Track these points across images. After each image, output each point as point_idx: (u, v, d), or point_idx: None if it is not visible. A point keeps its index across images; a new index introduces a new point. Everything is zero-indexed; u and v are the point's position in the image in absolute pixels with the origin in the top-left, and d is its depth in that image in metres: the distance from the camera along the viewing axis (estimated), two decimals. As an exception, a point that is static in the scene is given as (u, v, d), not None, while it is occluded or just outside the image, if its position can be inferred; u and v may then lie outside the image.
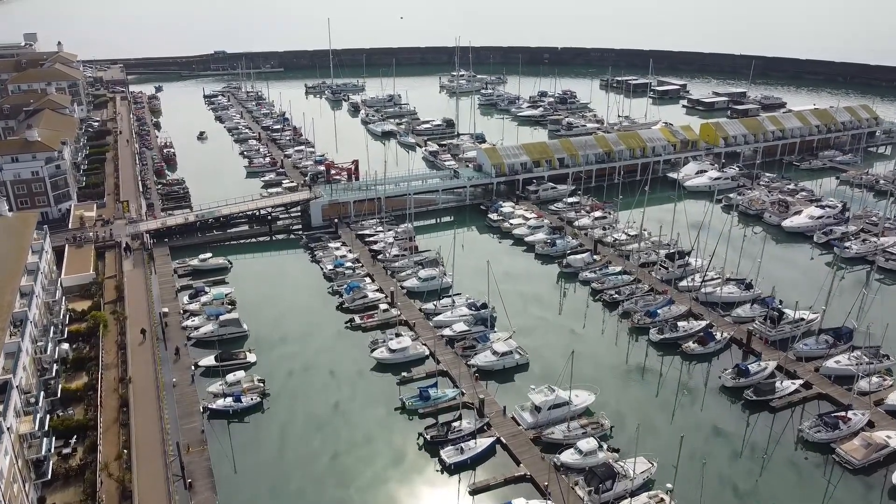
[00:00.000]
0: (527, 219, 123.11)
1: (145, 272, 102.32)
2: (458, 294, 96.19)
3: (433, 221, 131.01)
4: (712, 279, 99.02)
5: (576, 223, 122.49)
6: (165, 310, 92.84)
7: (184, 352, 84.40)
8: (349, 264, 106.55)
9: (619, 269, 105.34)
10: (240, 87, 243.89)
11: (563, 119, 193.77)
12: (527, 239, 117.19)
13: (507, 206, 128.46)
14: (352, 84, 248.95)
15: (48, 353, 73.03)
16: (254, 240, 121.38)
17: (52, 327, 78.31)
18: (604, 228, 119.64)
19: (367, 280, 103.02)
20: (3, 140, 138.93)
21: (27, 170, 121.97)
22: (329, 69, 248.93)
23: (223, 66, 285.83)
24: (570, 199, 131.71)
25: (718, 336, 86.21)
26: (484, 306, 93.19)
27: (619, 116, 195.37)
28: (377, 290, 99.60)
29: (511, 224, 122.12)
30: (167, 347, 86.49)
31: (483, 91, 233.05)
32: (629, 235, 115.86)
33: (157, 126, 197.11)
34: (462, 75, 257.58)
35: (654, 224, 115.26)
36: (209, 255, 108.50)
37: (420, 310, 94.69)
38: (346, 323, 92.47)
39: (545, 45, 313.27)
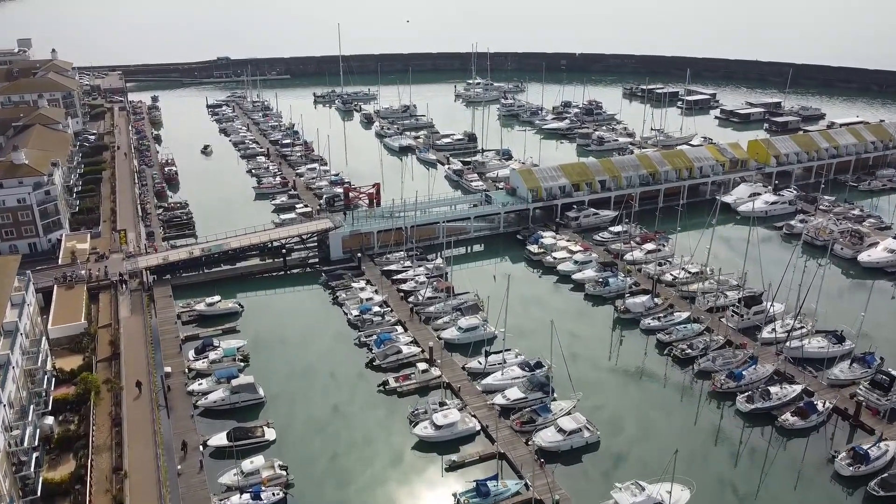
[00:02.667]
0: (572, 252, 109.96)
1: (144, 320, 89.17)
2: (507, 350, 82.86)
3: (463, 251, 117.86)
4: (796, 329, 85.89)
5: (626, 257, 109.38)
6: (168, 369, 79.81)
7: (189, 426, 71.28)
8: (377, 309, 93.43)
9: (685, 314, 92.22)
10: (245, 97, 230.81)
11: (593, 132, 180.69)
12: (574, 277, 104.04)
13: (548, 237, 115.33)
14: (363, 93, 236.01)
15: (26, 440, 59.87)
16: (266, 274, 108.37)
17: (31, 405, 65.20)
18: (659, 264, 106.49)
19: (399, 329, 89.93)
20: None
21: (12, 197, 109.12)
22: (337, 76, 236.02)
23: (227, 72, 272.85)
24: (616, 228, 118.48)
25: (820, 406, 73.15)
26: (539, 365, 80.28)
27: (651, 129, 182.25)
28: (411, 342, 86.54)
29: (555, 258, 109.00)
30: (169, 415, 73.65)
31: (503, 101, 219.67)
32: (690, 273, 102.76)
33: (158, 139, 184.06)
34: (478, 83, 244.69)
35: (706, 256, 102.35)
36: (217, 298, 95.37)
37: (464, 368, 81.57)
38: (379, 386, 79.26)
39: (562, 51, 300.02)
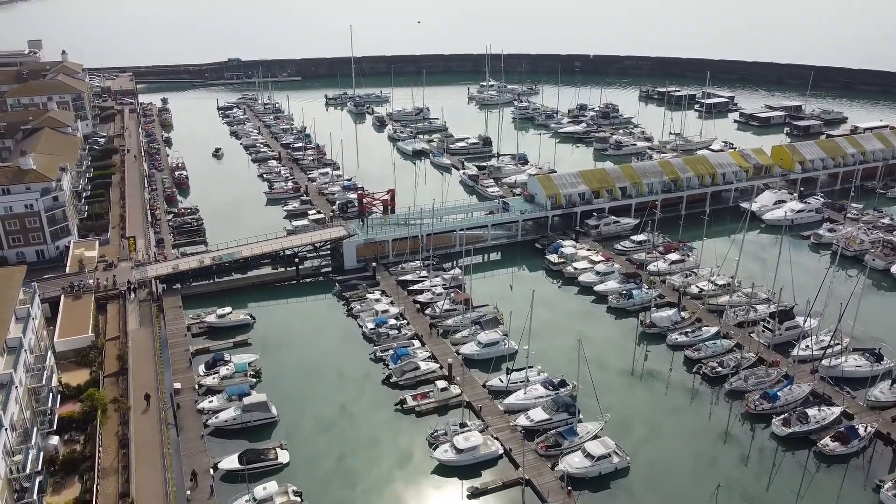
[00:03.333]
0: (593, 262, 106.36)
1: (153, 332, 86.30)
2: (530, 367, 79.30)
3: (480, 260, 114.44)
4: (831, 346, 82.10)
5: (649, 267, 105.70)
6: (178, 385, 76.88)
7: (199, 447, 68.32)
8: (392, 321, 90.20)
9: (713, 329, 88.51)
10: (256, 99, 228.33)
11: (611, 137, 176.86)
12: (596, 288, 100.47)
13: (568, 246, 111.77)
14: (375, 95, 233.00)
15: (28, 465, 56.97)
16: (278, 284, 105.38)
17: (35, 426, 62.36)
18: (685, 275, 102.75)
19: (416, 343, 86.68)
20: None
21: (20, 203, 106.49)
22: (349, 78, 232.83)
23: (237, 74, 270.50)
24: (639, 237, 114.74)
25: (861, 430, 69.39)
26: (563, 384, 76.85)
27: (670, 133, 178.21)
28: (429, 358, 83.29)
29: (576, 269, 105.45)
30: (179, 435, 70.71)
31: (517, 104, 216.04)
32: (717, 285, 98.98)
33: (168, 142, 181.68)
34: (492, 85, 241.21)
35: (733, 267, 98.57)
36: (229, 310, 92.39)
37: (484, 386, 78.21)
38: (397, 405, 76.00)
39: (575, 53, 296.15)
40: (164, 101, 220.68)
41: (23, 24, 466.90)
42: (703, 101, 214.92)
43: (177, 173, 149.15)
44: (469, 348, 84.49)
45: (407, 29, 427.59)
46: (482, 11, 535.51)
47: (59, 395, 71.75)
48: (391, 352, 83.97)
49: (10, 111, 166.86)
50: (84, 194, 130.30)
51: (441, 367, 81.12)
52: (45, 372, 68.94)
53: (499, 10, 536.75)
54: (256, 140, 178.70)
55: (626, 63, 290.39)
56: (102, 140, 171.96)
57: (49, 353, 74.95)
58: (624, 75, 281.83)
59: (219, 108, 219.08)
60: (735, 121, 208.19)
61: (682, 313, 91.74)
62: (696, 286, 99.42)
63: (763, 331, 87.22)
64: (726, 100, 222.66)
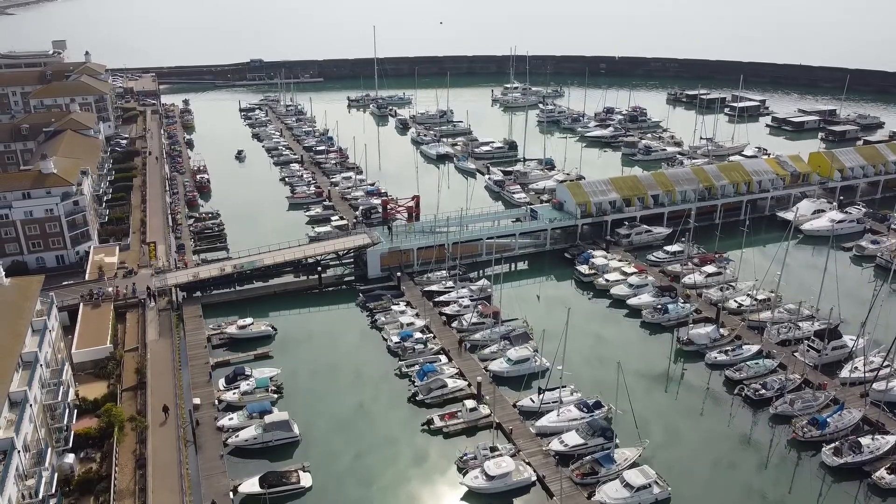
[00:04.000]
0: (626, 274, 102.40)
1: (173, 344, 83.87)
2: (563, 386, 75.53)
3: (507, 269, 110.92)
4: (882, 368, 77.59)
5: (684, 280, 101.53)
6: (197, 401, 74.31)
7: (218, 467, 65.58)
8: (418, 335, 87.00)
9: (754, 348, 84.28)
10: (278, 100, 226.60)
11: (639, 141, 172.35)
12: (629, 302, 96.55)
13: (598, 256, 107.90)
14: (397, 97, 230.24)
15: (42, 489, 54.44)
16: (301, 292, 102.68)
17: (49, 447, 59.96)
18: (721, 289, 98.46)
19: (443, 359, 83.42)
20: (15, 171, 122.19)
21: (40, 208, 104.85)
22: (371, 79, 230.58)
23: (260, 75, 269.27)
24: (673, 248, 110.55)
25: (920, 462, 65.04)
26: (598, 405, 73.17)
27: (701, 139, 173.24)
28: (457, 374, 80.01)
29: (607, 280, 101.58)
30: (197, 453, 68.10)
31: (542, 106, 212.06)
32: (756, 300, 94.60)
33: (190, 145, 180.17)
34: (516, 87, 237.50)
35: (772, 280, 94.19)
36: (250, 321, 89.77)
37: (515, 406, 74.73)
38: (424, 425, 72.79)
39: (601, 54, 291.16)
40: (186, 102, 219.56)
41: (48, 24, 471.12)
42: (733, 104, 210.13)
43: (198, 176, 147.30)
44: (498, 365, 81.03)
45: (429, 30, 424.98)
46: (504, 12, 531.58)
47: (75, 410, 69.57)
48: (417, 367, 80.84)
49: (33, 112, 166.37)
50: (105, 198, 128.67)
51: (469, 385, 77.75)
52: (62, 387, 66.57)
53: (521, 11, 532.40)
54: (279, 143, 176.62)
55: (652, 65, 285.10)
56: (124, 142, 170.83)
57: (66, 365, 72.67)
58: (650, 77, 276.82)
59: (241, 110, 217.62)
60: (767, 125, 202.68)
61: (721, 330, 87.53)
62: (735, 301, 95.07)
63: (808, 350, 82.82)
64: (757, 103, 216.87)
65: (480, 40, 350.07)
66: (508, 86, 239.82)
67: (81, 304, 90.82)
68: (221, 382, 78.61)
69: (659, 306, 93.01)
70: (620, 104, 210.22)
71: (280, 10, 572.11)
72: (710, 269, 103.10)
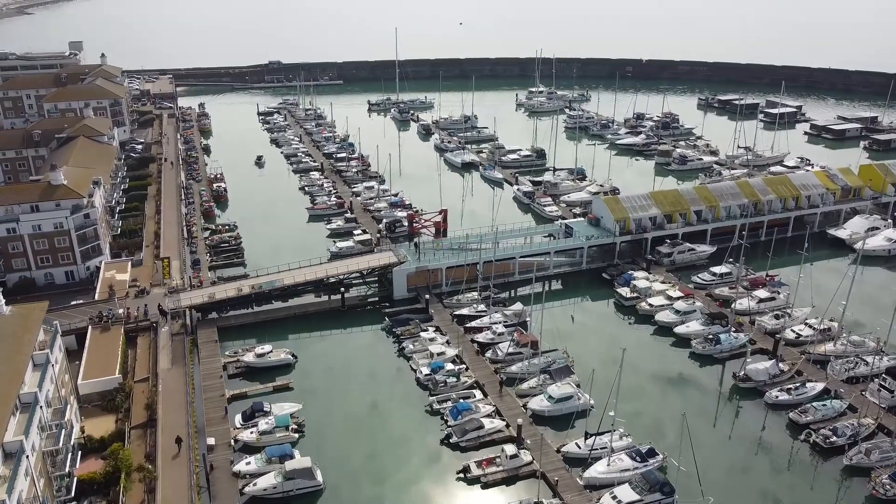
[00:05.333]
0: (671, 298, 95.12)
1: (186, 374, 77.82)
2: (612, 430, 68.51)
3: (539, 289, 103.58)
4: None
5: (735, 305, 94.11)
6: (211, 441, 68.19)
7: (235, 522, 59.44)
8: (450, 366, 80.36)
9: (819, 386, 76.84)
10: (297, 103, 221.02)
11: (674, 150, 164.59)
12: (677, 330, 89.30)
13: (640, 278, 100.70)
14: (419, 101, 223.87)
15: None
16: (322, 313, 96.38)
17: (49, 500, 53.92)
18: (777, 316, 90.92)
19: (477, 394, 76.74)
20: (27, 179, 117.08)
21: (49, 221, 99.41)
22: (392, 82, 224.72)
23: (278, 77, 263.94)
24: (720, 269, 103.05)
25: None
26: (652, 453, 66.13)
27: (738, 148, 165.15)
28: (493, 412, 73.32)
29: (651, 305, 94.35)
30: (211, 501, 62.00)
31: (570, 112, 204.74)
32: (815, 329, 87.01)
33: (207, 150, 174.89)
34: (541, 92, 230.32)
35: (832, 307, 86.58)
36: (269, 348, 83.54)
37: (559, 451, 67.87)
38: (459, 472, 66.12)
39: (627, 57, 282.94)
40: (202, 105, 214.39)
41: (67, 23, 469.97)
42: (769, 110, 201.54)
43: (215, 185, 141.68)
44: (538, 403, 74.16)
45: (449, 31, 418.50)
46: (525, 13, 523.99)
47: (79, 452, 63.62)
48: (449, 404, 74.31)
49: (47, 116, 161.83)
50: (118, 208, 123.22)
51: (508, 426, 71.03)
52: (65, 429, 60.54)
53: (542, 13, 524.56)
54: (298, 149, 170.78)
55: (680, 68, 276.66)
56: (140, 147, 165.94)
57: (70, 402, 66.79)
58: (678, 81, 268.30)
59: (259, 114, 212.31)
60: (805, 133, 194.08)
61: (781, 365, 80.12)
62: (793, 330, 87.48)
63: (879, 390, 75.24)
64: (794, 110, 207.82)
65: (501, 42, 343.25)
66: (533, 90, 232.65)
67: (90, 326, 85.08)
68: (238, 419, 72.41)
69: (710, 336, 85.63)
70: (650, 110, 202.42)
71: (298, 11, 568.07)
72: (762, 293, 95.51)
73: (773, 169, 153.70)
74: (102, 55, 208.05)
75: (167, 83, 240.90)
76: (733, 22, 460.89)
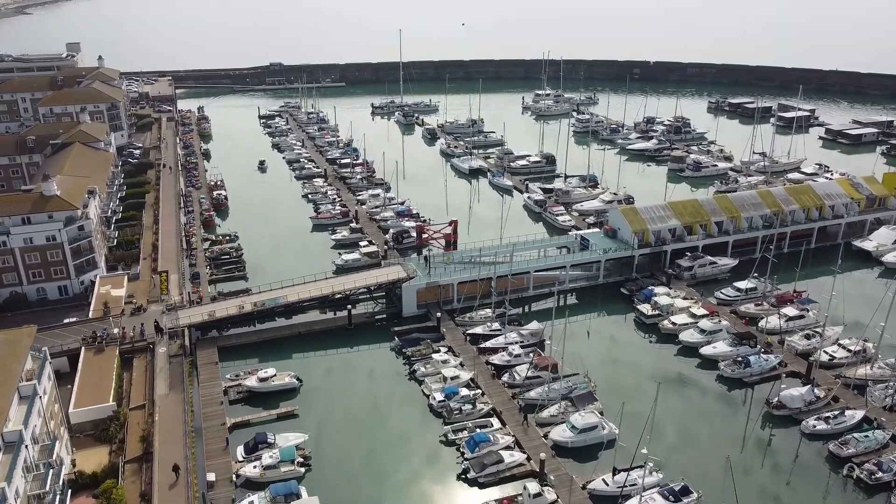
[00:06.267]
0: (696, 316, 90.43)
1: (185, 401, 73.12)
2: (643, 464, 63.62)
3: (552, 304, 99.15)
4: None
5: (762, 323, 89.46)
6: (212, 477, 63.52)
7: (238, 570, 54.75)
8: (464, 391, 75.65)
9: (859, 414, 72.19)
10: (299, 106, 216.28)
11: (688, 156, 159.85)
12: (703, 351, 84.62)
13: (661, 294, 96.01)
14: (423, 104, 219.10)
15: None
16: (328, 331, 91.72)
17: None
18: (807, 336, 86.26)
19: (494, 422, 72.08)
20: (20, 188, 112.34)
21: (41, 234, 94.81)
22: (395, 84, 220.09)
23: (279, 79, 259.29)
24: (745, 284, 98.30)
25: None
26: (686, 492, 61.48)
27: (754, 153, 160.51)
28: (513, 443, 68.66)
29: (674, 324, 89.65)
30: (213, 543, 57.35)
31: (578, 115, 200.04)
32: (850, 351, 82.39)
33: (207, 155, 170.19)
34: (548, 94, 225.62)
35: (853, 324, 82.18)
36: (272, 371, 78.81)
37: (585, 488, 63.17)
38: (479, 512, 61.63)
39: (633, 59, 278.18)
40: (201, 108, 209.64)
41: (66, 24, 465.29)
42: (782, 114, 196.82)
43: (215, 193, 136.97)
44: (561, 434, 69.46)
45: (450, 31, 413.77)
46: (524, 13, 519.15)
47: (69, 490, 58.93)
48: (465, 433, 69.70)
49: (42, 121, 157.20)
50: (114, 218, 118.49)
51: (529, 459, 66.37)
52: (53, 469, 55.85)
53: (542, 13, 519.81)
54: (300, 154, 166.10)
55: (688, 70, 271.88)
56: (137, 152, 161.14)
57: (60, 435, 62.18)
58: (686, 84, 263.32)
59: (260, 117, 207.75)
60: (820, 137, 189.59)
61: (817, 391, 75.46)
62: (825, 352, 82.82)
63: (923, 419, 70.68)
64: (807, 113, 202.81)
65: (504, 43, 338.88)
66: (540, 92, 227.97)
67: (83, 348, 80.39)
68: (240, 451, 67.72)
69: (739, 359, 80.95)
70: (660, 113, 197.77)
71: (298, 11, 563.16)
72: (790, 310, 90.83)
73: (790, 176, 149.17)
74: (100, 57, 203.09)
75: (166, 85, 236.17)
76: (733, 22, 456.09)
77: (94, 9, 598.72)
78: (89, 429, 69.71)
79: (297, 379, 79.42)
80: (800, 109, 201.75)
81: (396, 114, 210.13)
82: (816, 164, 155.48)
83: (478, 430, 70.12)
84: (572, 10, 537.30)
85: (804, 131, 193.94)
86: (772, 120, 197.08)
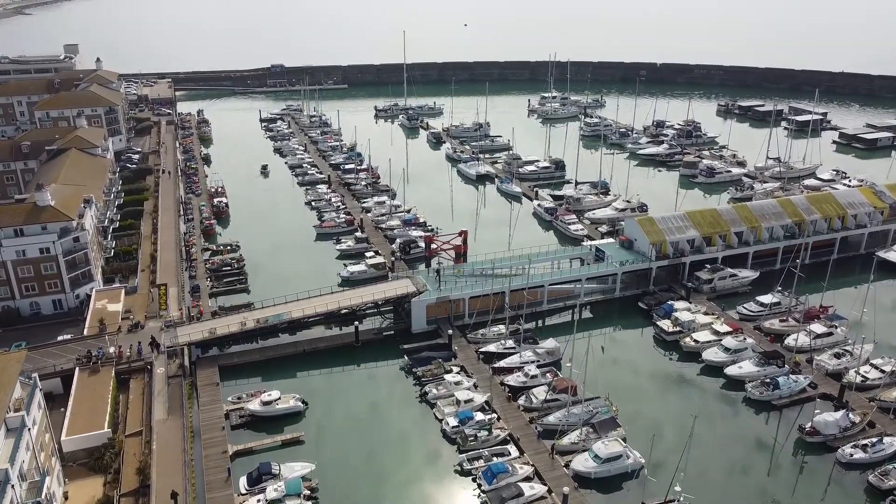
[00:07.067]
0: (719, 334, 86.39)
1: (184, 426, 69.14)
2: (672, 501, 59.68)
3: (568, 319, 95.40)
4: None
5: (788, 341, 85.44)
6: (213, 512, 59.54)
7: None
8: (479, 416, 71.66)
9: (893, 440, 68.20)
10: (301, 109, 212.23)
11: (700, 161, 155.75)
12: (728, 371, 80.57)
13: (681, 309, 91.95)
14: (427, 107, 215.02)
15: None
16: (334, 348, 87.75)
17: None
18: (837, 355, 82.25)
19: (512, 450, 68.05)
20: (13, 196, 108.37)
21: (34, 246, 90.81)
22: (399, 86, 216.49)
23: (281, 81, 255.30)
24: (768, 298, 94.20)
25: None
26: (720, 530, 57.42)
27: (768, 158, 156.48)
28: (532, 473, 64.66)
29: (696, 342, 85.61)
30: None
31: (586, 119, 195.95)
32: (882, 371, 78.36)
33: (207, 160, 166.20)
34: (554, 97, 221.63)
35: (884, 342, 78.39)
36: (276, 395, 74.80)
37: (610, 525, 59.32)
38: (498, 549, 57.61)
39: (640, 61, 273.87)
40: (201, 112, 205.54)
41: (65, 24, 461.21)
42: (792, 117, 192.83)
43: (216, 200, 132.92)
44: (583, 463, 65.44)
45: (453, 33, 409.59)
46: (525, 13, 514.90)
47: (60, 528, 55.07)
48: (482, 462, 65.72)
49: (38, 125, 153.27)
50: (111, 227, 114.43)
51: (550, 492, 62.36)
52: (41, 510, 51.92)
53: (542, 13, 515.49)
54: (303, 159, 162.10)
55: (696, 72, 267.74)
56: (136, 157, 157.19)
57: (51, 468, 58.16)
58: (694, 86, 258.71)
59: (261, 121, 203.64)
60: (834, 142, 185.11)
61: (852, 416, 71.47)
62: (857, 372, 78.74)
63: (965, 447, 66.64)
64: (819, 117, 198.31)
65: (507, 44, 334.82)
66: (546, 95, 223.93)
67: (77, 368, 76.42)
68: (243, 483, 63.75)
69: (768, 380, 76.93)
70: (669, 116, 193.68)
71: (299, 12, 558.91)
72: (817, 327, 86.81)
73: (807, 182, 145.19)
74: (98, 59, 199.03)
75: (166, 87, 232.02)
76: (732, 22, 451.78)
77: (94, 9, 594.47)
78: (83, 457, 65.76)
79: (303, 402, 75.44)
80: (813, 113, 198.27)
81: (400, 117, 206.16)
82: (833, 169, 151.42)
83: (495, 458, 66.14)
84: (572, 10, 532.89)
85: (816, 135, 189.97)
86: (783, 123, 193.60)
